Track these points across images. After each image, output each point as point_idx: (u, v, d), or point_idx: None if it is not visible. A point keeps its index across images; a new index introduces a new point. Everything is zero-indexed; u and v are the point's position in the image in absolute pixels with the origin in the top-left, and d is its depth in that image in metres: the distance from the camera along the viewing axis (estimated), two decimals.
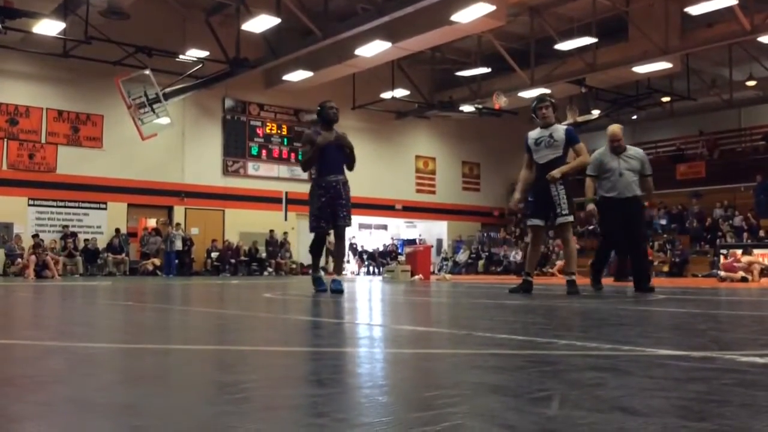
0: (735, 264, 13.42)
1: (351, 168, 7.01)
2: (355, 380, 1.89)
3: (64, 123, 20.22)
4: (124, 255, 20.15)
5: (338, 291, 6.67)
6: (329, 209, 6.72)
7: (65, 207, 20.15)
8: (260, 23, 17.77)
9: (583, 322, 3.87)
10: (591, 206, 7.60)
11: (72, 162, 20.13)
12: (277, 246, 22.86)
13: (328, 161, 6.76)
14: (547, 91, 21.47)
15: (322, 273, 7.34)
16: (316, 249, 7.18)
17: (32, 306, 5.80)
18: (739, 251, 14.30)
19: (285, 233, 23.24)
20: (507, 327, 3.45)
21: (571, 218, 6.72)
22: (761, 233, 19.68)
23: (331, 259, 7.42)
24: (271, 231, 22.81)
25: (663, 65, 19.99)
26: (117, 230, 20.44)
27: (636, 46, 19.75)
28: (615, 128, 7.38)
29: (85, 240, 19.74)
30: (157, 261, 20.29)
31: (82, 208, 20.41)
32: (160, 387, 1.79)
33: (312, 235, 7.05)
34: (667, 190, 22.38)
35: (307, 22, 17.37)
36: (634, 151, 7.41)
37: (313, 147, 6.71)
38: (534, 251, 7.22)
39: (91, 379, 1.91)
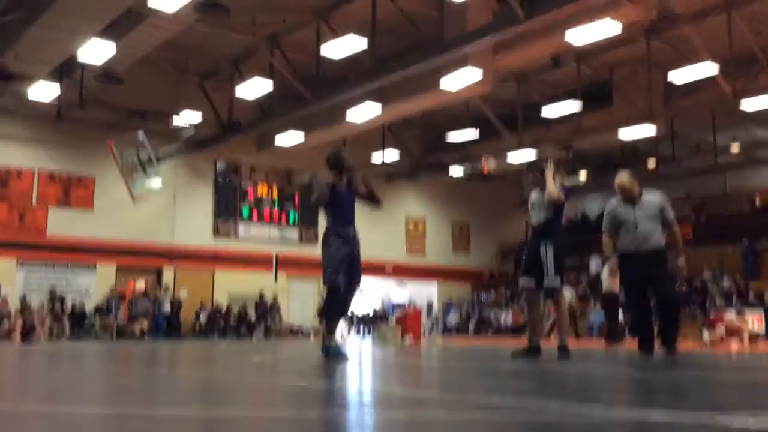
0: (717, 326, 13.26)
1: (377, 203, 6.60)
2: None
3: (56, 185, 20.25)
4: (112, 318, 19.90)
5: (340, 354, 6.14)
6: (346, 264, 6.08)
7: (54, 269, 20.01)
8: (253, 88, 18.05)
9: (575, 386, 3.84)
10: (604, 265, 7.20)
11: (62, 223, 20.08)
12: (267, 308, 22.66)
13: (345, 210, 6.28)
14: (533, 154, 21.81)
15: (336, 340, 6.43)
16: (332, 310, 6.28)
17: (17, 370, 5.71)
18: (729, 313, 14.18)
19: (275, 296, 23.10)
20: (499, 391, 3.43)
21: (557, 282, 6.59)
22: (751, 296, 19.73)
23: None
24: (262, 293, 22.64)
25: (647, 130, 20.35)
26: (111, 290, 20.26)
27: (620, 111, 20.14)
28: (621, 179, 6.73)
29: (73, 303, 19.47)
30: (145, 324, 20.04)
31: (70, 269, 20.28)
32: None
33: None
34: None
35: (299, 86, 17.69)
36: (651, 196, 6.69)
37: (324, 185, 6.25)
38: (531, 314, 7.02)
39: None
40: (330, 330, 6.28)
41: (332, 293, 6.12)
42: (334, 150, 6.66)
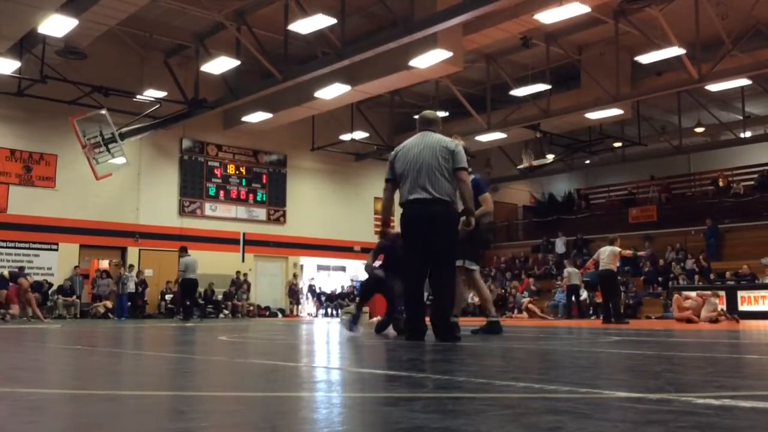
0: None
1: None
2: (311, 427, 1.85)
3: (17, 162, 19.80)
4: (75, 297, 19.64)
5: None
6: None
7: (15, 248, 19.62)
8: (219, 65, 17.81)
9: (540, 364, 3.87)
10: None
11: (23, 202, 19.69)
12: (234, 287, 22.54)
13: None
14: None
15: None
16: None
17: None
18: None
19: (245, 274, 23.02)
20: (465, 369, 3.43)
21: (475, 266, 6.98)
22: (712, 276, 20.13)
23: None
24: (229, 272, 22.51)
25: (614, 112, 20.57)
26: (76, 268, 20.02)
27: (588, 93, 20.32)
28: None
29: (36, 282, 19.15)
30: (108, 303, 19.83)
31: (32, 249, 19.90)
32: None
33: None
34: (619, 233, 22.78)
35: (266, 64, 17.46)
36: None
37: None
38: (481, 292, 7.36)
39: (33, 427, 1.83)
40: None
41: None
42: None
